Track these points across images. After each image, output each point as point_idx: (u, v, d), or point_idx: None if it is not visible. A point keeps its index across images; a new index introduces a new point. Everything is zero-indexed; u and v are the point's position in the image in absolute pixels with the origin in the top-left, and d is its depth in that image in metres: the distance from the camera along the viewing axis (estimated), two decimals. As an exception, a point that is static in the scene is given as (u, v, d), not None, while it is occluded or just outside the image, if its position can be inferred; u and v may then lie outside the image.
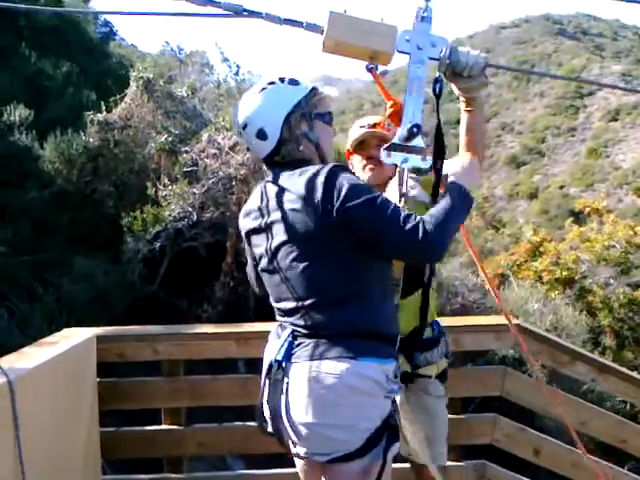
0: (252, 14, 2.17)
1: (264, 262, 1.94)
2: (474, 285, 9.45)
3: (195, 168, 6.32)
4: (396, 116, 2.11)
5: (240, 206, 6.19)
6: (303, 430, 1.78)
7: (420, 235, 1.67)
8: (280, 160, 1.91)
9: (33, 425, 2.16)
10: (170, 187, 5.98)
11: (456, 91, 2.15)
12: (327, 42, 2.00)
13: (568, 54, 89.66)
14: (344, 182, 1.74)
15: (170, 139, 6.50)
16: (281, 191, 1.84)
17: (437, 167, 1.98)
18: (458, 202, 1.82)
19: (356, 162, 2.57)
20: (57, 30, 9.72)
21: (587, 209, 16.39)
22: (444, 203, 1.81)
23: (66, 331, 3.11)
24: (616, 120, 72.32)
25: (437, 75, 2.07)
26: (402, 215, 1.72)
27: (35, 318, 5.10)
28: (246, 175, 6.15)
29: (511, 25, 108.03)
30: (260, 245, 1.94)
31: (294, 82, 1.94)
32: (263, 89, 1.92)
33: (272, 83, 1.93)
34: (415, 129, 1.93)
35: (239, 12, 2.16)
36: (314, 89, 1.96)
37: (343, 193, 1.72)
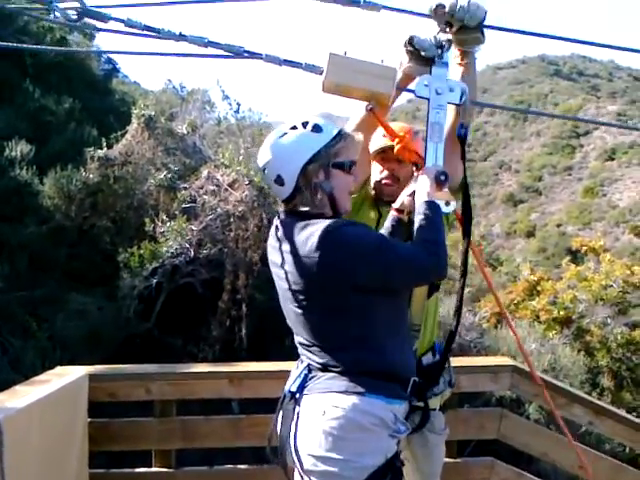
0: (252, 55, 2.22)
1: (281, 298, 1.99)
2: (471, 324, 9.40)
3: (193, 204, 6.34)
4: (405, 151, 2.11)
5: (238, 243, 6.24)
6: (308, 462, 1.82)
7: (429, 261, 1.82)
8: (295, 207, 1.92)
9: (20, 466, 2.13)
10: (168, 223, 5.99)
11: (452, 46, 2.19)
12: (327, 83, 2.03)
13: (564, 94, 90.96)
14: (343, 241, 1.79)
15: (169, 176, 6.55)
16: (289, 241, 1.87)
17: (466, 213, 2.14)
18: (434, 217, 1.91)
19: (375, 171, 2.50)
20: (61, 66, 9.87)
21: (584, 248, 16.43)
22: (425, 224, 1.89)
23: (58, 369, 3.09)
24: (612, 159, 73.01)
25: (461, 121, 2.13)
26: (405, 250, 1.85)
27: (28, 355, 5.06)
28: (244, 212, 6.17)
29: (508, 66, 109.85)
30: (278, 283, 1.98)
31: (317, 129, 1.90)
32: (284, 134, 1.90)
33: (294, 128, 1.91)
34: (443, 176, 2.00)
35: (239, 53, 2.20)
36: (338, 135, 1.91)
37: (344, 251, 1.77)
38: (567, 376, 10.23)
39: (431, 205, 1.93)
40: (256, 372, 3.25)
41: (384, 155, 2.42)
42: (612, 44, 2.66)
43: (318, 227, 1.79)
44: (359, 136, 1.99)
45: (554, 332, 12.55)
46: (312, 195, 1.89)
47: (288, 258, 1.87)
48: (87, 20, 2.25)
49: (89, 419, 3.03)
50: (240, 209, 6.14)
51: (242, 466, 3.28)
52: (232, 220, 6.16)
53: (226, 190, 6.28)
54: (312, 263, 1.78)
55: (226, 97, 9.59)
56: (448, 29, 2.10)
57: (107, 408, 3.61)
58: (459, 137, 2.13)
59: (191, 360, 5.33)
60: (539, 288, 14.64)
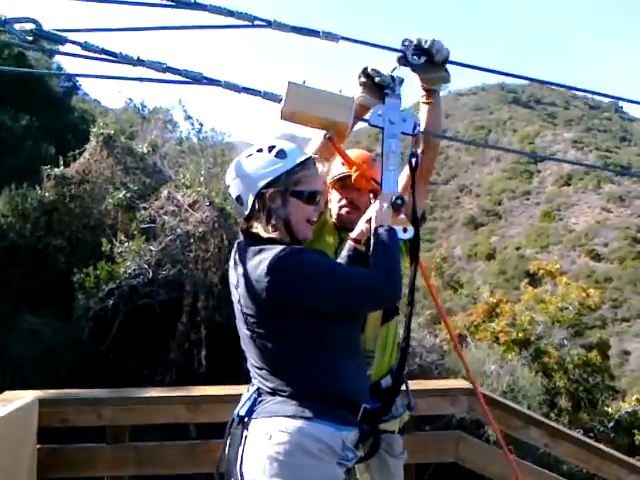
0: (211, 82, 2.21)
1: (237, 320, 1.96)
2: (432, 346, 9.46)
3: (153, 225, 6.26)
4: (362, 179, 2.12)
5: (197, 264, 6.17)
6: None
7: (382, 285, 1.83)
8: (251, 228, 1.91)
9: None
10: (126, 243, 5.89)
11: (418, 84, 2.29)
12: (285, 111, 2.03)
13: (522, 121, 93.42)
14: (294, 267, 1.78)
15: (128, 195, 6.45)
16: (244, 265, 1.86)
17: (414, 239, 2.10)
18: (389, 242, 1.92)
19: (334, 199, 2.50)
20: (19, 83, 9.69)
21: (541, 271, 16.75)
22: (380, 249, 1.91)
23: (7, 394, 2.97)
24: (569, 185, 75.10)
25: (412, 150, 2.16)
26: (358, 275, 1.86)
27: (-23, 378, 4.88)
28: (205, 233, 6.12)
29: (468, 92, 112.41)
30: (235, 305, 1.94)
31: (282, 154, 1.89)
32: (250, 155, 1.91)
33: (260, 150, 1.91)
34: (399, 201, 2.02)
35: (198, 79, 2.19)
36: (303, 163, 1.91)
37: (297, 277, 1.77)
38: (525, 397, 10.35)
39: (387, 230, 1.95)
40: (213, 396, 3.18)
41: (343, 183, 2.42)
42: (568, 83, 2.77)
43: (270, 253, 1.78)
44: (321, 167, 2.01)
45: (513, 353, 12.73)
46: (267, 219, 1.88)
47: (241, 281, 1.86)
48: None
49: (39, 445, 2.92)
50: (200, 230, 6.08)
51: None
52: (192, 241, 6.10)
53: (186, 211, 6.22)
54: (262, 288, 1.77)
55: (189, 117, 9.57)
56: (417, 58, 2.17)
57: (58, 434, 3.50)
58: (410, 166, 2.17)
59: (148, 384, 5.21)
60: (498, 310, 14.84)
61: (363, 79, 2.17)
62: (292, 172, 1.88)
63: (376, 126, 2.11)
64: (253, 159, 1.90)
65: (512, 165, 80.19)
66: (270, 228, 1.89)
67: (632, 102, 2.54)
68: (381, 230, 1.94)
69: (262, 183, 1.86)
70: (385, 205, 1.99)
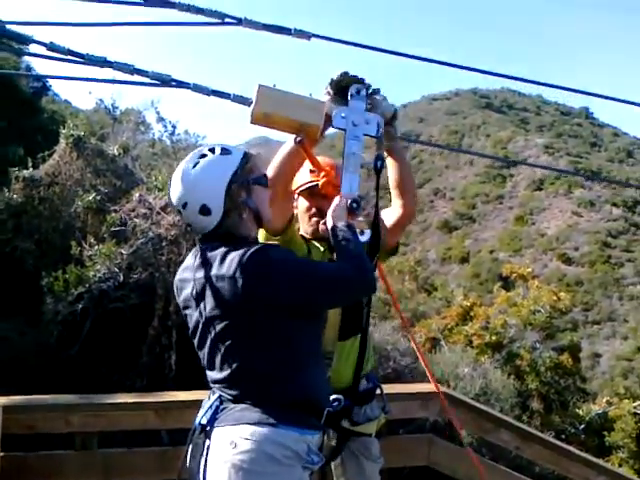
0: (180, 85, 2.19)
1: (196, 330, 1.93)
2: (405, 349, 9.47)
3: (124, 228, 6.15)
4: (329, 185, 2.13)
5: (170, 267, 6.09)
6: None
7: (354, 275, 1.83)
8: (222, 232, 1.89)
9: None
10: (96, 247, 5.78)
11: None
12: (255, 114, 2.03)
13: (495, 126, 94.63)
14: (265, 263, 1.78)
15: (98, 197, 6.34)
16: (210, 267, 1.83)
17: (373, 242, 2.11)
18: (352, 236, 1.94)
19: (302, 207, 2.49)
20: (-14, 83, 9.51)
21: (514, 275, 16.95)
22: (344, 243, 1.91)
23: (-31, 401, 2.90)
24: (540, 189, 76.27)
25: (378, 152, 2.18)
26: (329, 267, 1.93)
27: (-61, 385, 4.74)
28: (177, 236, 6.04)
29: (442, 97, 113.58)
30: (192, 314, 1.92)
31: (226, 151, 1.92)
32: (196, 164, 1.89)
33: (204, 156, 1.90)
34: (355, 204, 2.03)
35: (167, 82, 2.17)
36: (245, 154, 1.96)
37: (268, 273, 1.76)
38: (498, 400, 10.43)
39: (347, 226, 1.96)
40: (184, 402, 3.14)
41: (310, 191, 2.43)
42: (539, 80, 2.80)
43: (240, 252, 1.79)
44: (259, 151, 2.09)
45: (486, 356, 12.84)
46: (240, 215, 1.90)
47: (208, 284, 1.83)
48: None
49: (2, 453, 2.85)
50: (173, 233, 6.00)
51: (167, 500, 3.15)
52: (164, 244, 6.01)
53: (158, 213, 6.14)
54: (234, 286, 1.76)
55: (161, 119, 9.48)
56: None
57: (24, 441, 3.42)
58: (375, 169, 2.17)
59: (118, 389, 5.12)
60: (472, 313, 14.98)
61: (329, 89, 2.17)
62: (243, 164, 1.92)
63: (339, 128, 2.12)
64: (205, 165, 1.89)
65: (485, 169, 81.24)
66: (243, 224, 1.92)
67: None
68: (340, 226, 1.95)
69: (226, 181, 1.87)
70: (342, 207, 2.00)
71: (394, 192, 2.39)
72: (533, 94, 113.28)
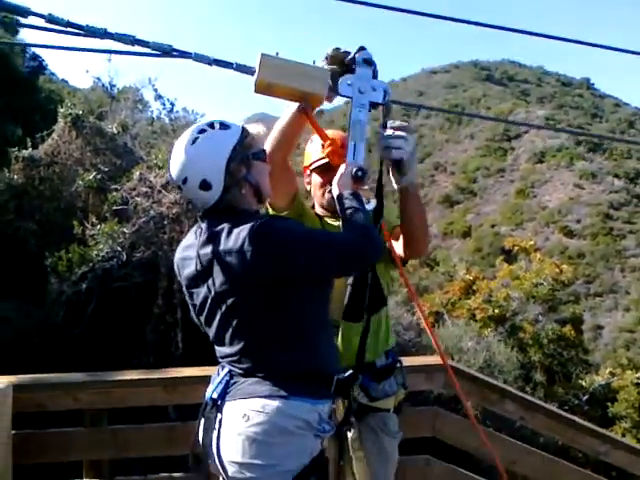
0: (181, 54, 2.15)
1: (204, 307, 1.92)
2: (409, 324, 9.54)
3: (125, 207, 6.15)
4: (334, 155, 2.09)
5: (172, 245, 6.09)
6: (232, 469, 1.77)
7: (362, 242, 1.82)
8: (223, 207, 1.89)
9: None
10: (98, 226, 5.78)
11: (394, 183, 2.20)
12: (258, 83, 2.00)
13: (496, 99, 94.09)
14: (274, 233, 1.77)
15: (99, 176, 6.33)
16: (216, 242, 1.82)
17: (377, 209, 2.10)
18: (358, 204, 1.93)
19: (315, 183, 2.47)
20: (-17, 64, 9.44)
21: (516, 248, 16.94)
22: (351, 211, 1.90)
23: (-21, 379, 2.92)
24: (542, 162, 76.02)
25: (384, 120, 2.13)
26: (337, 236, 1.89)
27: (-53, 365, 4.78)
28: (178, 214, 6.03)
29: (442, 70, 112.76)
30: (199, 291, 1.91)
31: (225, 126, 1.91)
32: (196, 139, 1.87)
33: (203, 131, 1.88)
34: (360, 172, 1.99)
35: (168, 52, 2.13)
36: (244, 130, 1.94)
37: (277, 243, 1.75)
38: (502, 372, 10.52)
39: (353, 194, 1.95)
40: (191, 377, 3.15)
41: (323, 167, 2.40)
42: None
43: (248, 224, 1.78)
44: (259, 128, 2.11)
45: (489, 330, 12.91)
46: (240, 190, 1.90)
47: (215, 259, 1.82)
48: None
49: (13, 431, 2.87)
50: (174, 211, 6.00)
51: (177, 474, 3.19)
52: (166, 222, 6.01)
53: (159, 192, 6.12)
54: (242, 259, 1.75)
55: (159, 96, 9.39)
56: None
57: (34, 419, 3.45)
58: (355, 178, 2.11)
59: (125, 367, 5.15)
60: (475, 287, 15.03)
61: (331, 53, 2.10)
62: (242, 139, 1.90)
63: (345, 96, 2.08)
64: (204, 140, 1.87)
65: (486, 143, 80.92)
66: (244, 198, 1.91)
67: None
68: (346, 194, 1.94)
69: (226, 156, 1.85)
70: (347, 175, 1.98)
71: (405, 230, 2.28)
72: (534, 65, 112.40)
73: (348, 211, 1.90)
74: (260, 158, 1.96)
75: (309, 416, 1.80)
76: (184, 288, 2.01)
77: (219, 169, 1.84)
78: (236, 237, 1.77)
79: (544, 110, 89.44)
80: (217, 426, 1.83)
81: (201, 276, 1.88)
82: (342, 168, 2.01)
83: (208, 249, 1.84)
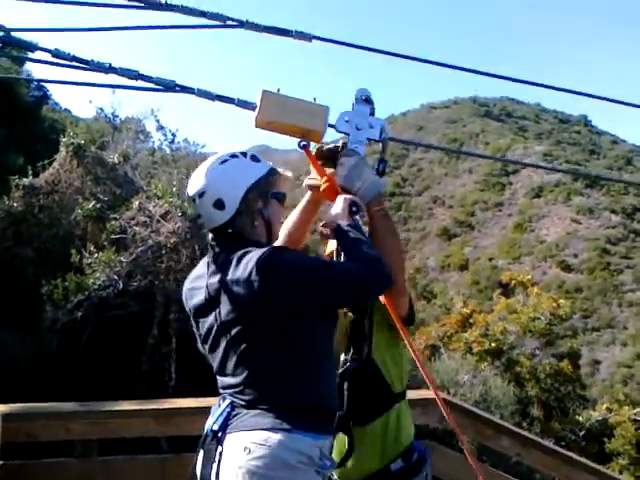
0: (184, 89, 2.20)
1: (209, 336, 1.92)
2: (405, 356, 9.46)
3: (124, 236, 6.17)
4: (331, 191, 2.09)
5: (169, 275, 6.10)
6: None
7: (368, 271, 1.82)
8: (231, 232, 1.92)
9: None
10: (96, 254, 5.79)
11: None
12: (259, 119, 2.05)
13: (494, 134, 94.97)
14: (281, 264, 1.78)
15: (98, 205, 6.36)
16: (225, 271, 1.84)
17: None
18: (361, 234, 1.93)
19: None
20: (-13, 92, 9.54)
21: (513, 281, 16.92)
22: (354, 241, 1.90)
23: (-31, 408, 2.89)
24: (539, 197, 76.41)
25: (380, 156, 2.16)
26: (343, 266, 1.89)
27: (-61, 393, 4.73)
28: (176, 244, 6.05)
29: (441, 105, 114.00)
30: (205, 321, 1.92)
31: (256, 159, 1.97)
32: (225, 161, 1.93)
33: (235, 156, 1.94)
34: (355, 208, 1.99)
35: (171, 87, 2.18)
36: (273, 169, 1.99)
37: (284, 273, 1.76)
38: (498, 406, 10.42)
39: (354, 226, 1.95)
40: (183, 409, 3.13)
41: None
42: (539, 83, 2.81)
43: (256, 253, 1.79)
44: (289, 173, 2.08)
45: (486, 363, 12.83)
46: (252, 220, 1.92)
47: (223, 289, 1.83)
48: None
49: (1, 461, 2.84)
50: (172, 240, 6.01)
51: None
52: (164, 252, 6.03)
53: (158, 221, 6.15)
54: (250, 288, 1.76)
55: (161, 127, 9.47)
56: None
57: (24, 449, 3.41)
58: (377, 170, 2.16)
59: (119, 397, 5.10)
60: (472, 320, 14.96)
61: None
62: (269, 175, 1.96)
63: (342, 132, 2.12)
64: (232, 163, 1.93)
65: (484, 177, 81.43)
66: (254, 229, 1.94)
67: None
68: (346, 226, 1.94)
69: (248, 185, 1.90)
70: (344, 206, 1.99)
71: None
72: (532, 102, 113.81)
73: (350, 242, 1.91)
74: (279, 199, 2.00)
75: (311, 451, 1.78)
76: (191, 318, 2.02)
77: (237, 193, 1.88)
78: (244, 267, 1.79)
79: (542, 146, 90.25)
80: (217, 458, 1.80)
81: (208, 305, 1.89)
82: (339, 201, 2.03)
83: (216, 278, 1.86)
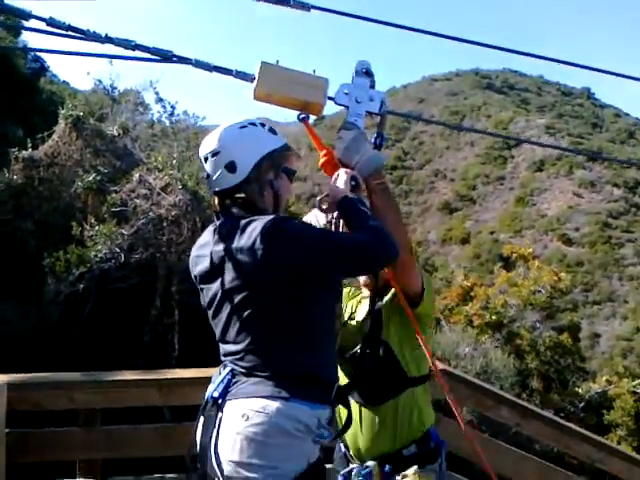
0: (181, 60, 2.16)
1: (212, 303, 1.93)
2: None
3: (124, 208, 6.16)
4: (329, 165, 2.08)
5: (170, 247, 6.11)
6: (228, 468, 1.76)
7: (374, 241, 1.81)
8: (238, 198, 1.91)
9: None
10: (97, 227, 5.79)
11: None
12: (258, 91, 2.02)
13: (496, 107, 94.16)
14: (288, 231, 1.78)
15: (98, 178, 6.34)
16: (230, 239, 1.84)
17: None
18: (364, 206, 1.94)
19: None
20: (-16, 63, 9.44)
21: (514, 255, 16.95)
22: (358, 214, 1.90)
23: (-27, 378, 2.91)
24: (541, 170, 76.10)
25: (377, 130, 2.13)
26: (349, 236, 1.88)
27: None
28: (177, 216, 6.05)
29: (443, 78, 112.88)
30: (210, 287, 1.93)
31: (273, 131, 1.97)
32: (244, 127, 1.93)
33: (254, 125, 1.95)
34: (353, 182, 1.98)
35: (168, 57, 2.14)
36: (287, 145, 2.00)
37: (288, 241, 1.76)
38: (498, 378, 10.54)
39: (357, 198, 1.95)
40: (186, 379, 3.15)
41: None
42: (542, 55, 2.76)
43: (261, 221, 1.79)
44: (300, 153, 2.07)
45: (486, 336, 12.92)
46: (260, 189, 1.92)
47: (227, 256, 1.84)
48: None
49: (7, 429, 2.87)
50: (173, 213, 6.02)
51: (171, 475, 3.18)
52: (165, 224, 6.03)
53: (159, 194, 6.14)
54: (254, 256, 1.76)
55: (160, 99, 9.40)
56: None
57: (29, 418, 3.45)
58: (374, 145, 2.14)
59: (121, 368, 5.14)
60: (472, 294, 15.03)
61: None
62: (283, 149, 1.96)
63: (341, 104, 2.10)
64: (251, 130, 1.93)
65: (486, 150, 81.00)
66: (262, 198, 1.93)
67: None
68: (349, 199, 1.93)
69: (263, 153, 1.90)
70: (346, 181, 1.98)
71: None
72: (534, 74, 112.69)
73: (353, 214, 1.91)
74: (289, 174, 2.01)
75: (309, 420, 1.79)
76: (197, 284, 2.02)
77: (251, 159, 1.89)
78: (249, 235, 1.79)
79: (544, 119, 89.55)
80: (217, 425, 1.82)
81: (213, 273, 1.89)
82: (340, 175, 2.02)
83: (221, 246, 1.86)
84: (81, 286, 5.62)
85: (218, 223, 1.94)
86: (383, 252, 1.86)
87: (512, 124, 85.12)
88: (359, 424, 2.22)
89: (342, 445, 2.31)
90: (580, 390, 13.23)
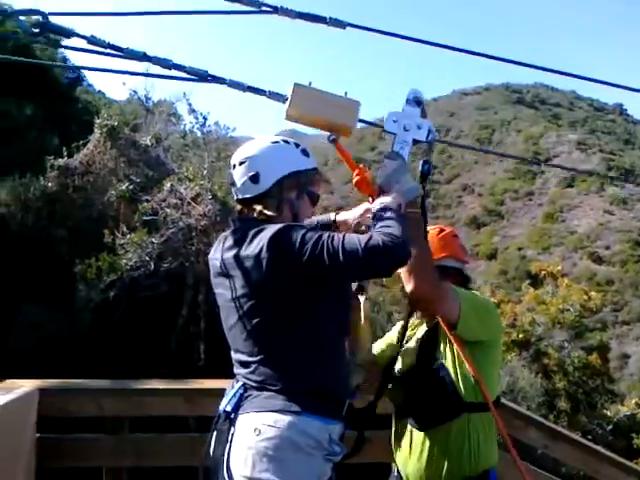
0: (216, 80, 2.21)
1: (224, 313, 1.94)
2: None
3: (155, 217, 6.25)
4: (363, 183, 2.09)
5: (199, 257, 6.16)
6: None
7: (383, 241, 1.74)
8: (256, 208, 1.92)
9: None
10: (128, 235, 5.88)
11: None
12: (290, 112, 2.06)
13: (527, 121, 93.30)
14: (293, 236, 1.77)
15: (131, 187, 6.45)
16: (240, 246, 1.86)
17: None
18: (398, 217, 1.87)
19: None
20: (24, 73, 9.66)
21: (543, 272, 16.72)
22: (388, 222, 1.84)
23: (7, 382, 2.95)
24: (571, 187, 75.06)
25: (425, 158, 2.14)
26: (358, 237, 1.78)
27: (-25, 367, 4.87)
28: (207, 226, 6.11)
29: (473, 92, 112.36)
30: (221, 293, 1.94)
31: (306, 153, 2.00)
32: (276, 142, 1.98)
33: (287, 143, 1.99)
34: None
35: (203, 77, 2.20)
36: (316, 169, 2.03)
37: (290, 248, 1.76)
38: (525, 398, 10.37)
39: (397, 211, 1.90)
40: (212, 389, 3.17)
41: None
42: (574, 73, 2.75)
43: (269, 230, 1.81)
44: (328, 181, 2.08)
45: (513, 354, 12.74)
46: (279, 205, 1.93)
47: (238, 264, 1.86)
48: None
49: (38, 435, 2.91)
50: (203, 223, 6.08)
51: (195, 485, 3.19)
52: (194, 234, 6.10)
53: (189, 204, 6.22)
54: (260, 264, 1.78)
55: (193, 110, 9.51)
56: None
57: (58, 424, 3.50)
58: (422, 174, 2.15)
59: (148, 376, 5.18)
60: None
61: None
62: (310, 172, 1.98)
63: (390, 132, 2.12)
64: (281, 147, 1.97)
65: (515, 165, 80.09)
66: (279, 214, 1.92)
67: None
68: (391, 209, 1.90)
69: (287, 170, 1.92)
70: (399, 198, 1.96)
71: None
72: (566, 89, 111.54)
73: (386, 220, 1.86)
74: (312, 198, 2.02)
75: (320, 435, 1.79)
76: (214, 289, 2.04)
77: (274, 174, 1.91)
78: (257, 243, 1.81)
79: (576, 134, 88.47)
80: (229, 439, 1.82)
81: (224, 279, 1.91)
82: (391, 194, 1.99)
83: (231, 253, 1.88)
84: (111, 293, 5.71)
85: (231, 230, 1.96)
86: (391, 252, 1.77)
87: (543, 139, 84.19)
88: (409, 448, 2.15)
89: (396, 469, 2.25)
90: (608, 412, 12.93)
